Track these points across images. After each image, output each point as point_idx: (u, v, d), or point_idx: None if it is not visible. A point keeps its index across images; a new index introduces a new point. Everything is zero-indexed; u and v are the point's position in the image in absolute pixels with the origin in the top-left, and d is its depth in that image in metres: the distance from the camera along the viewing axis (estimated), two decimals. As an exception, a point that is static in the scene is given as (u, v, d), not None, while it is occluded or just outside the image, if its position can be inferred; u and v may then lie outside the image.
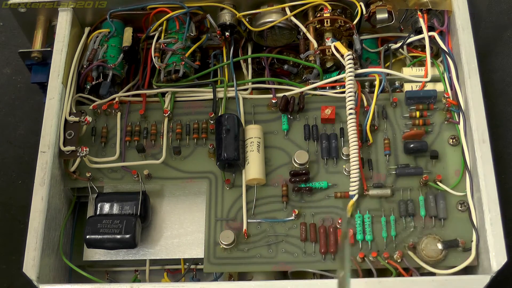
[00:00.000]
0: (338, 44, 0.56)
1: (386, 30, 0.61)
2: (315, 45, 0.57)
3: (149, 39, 0.61)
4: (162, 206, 0.56)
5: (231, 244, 0.51)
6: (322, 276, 0.51)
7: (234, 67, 0.59)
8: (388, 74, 0.57)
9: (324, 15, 0.58)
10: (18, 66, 0.65)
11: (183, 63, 0.57)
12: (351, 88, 0.54)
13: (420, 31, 0.58)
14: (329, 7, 0.58)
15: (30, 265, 0.48)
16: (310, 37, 0.58)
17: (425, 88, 0.56)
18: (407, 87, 0.57)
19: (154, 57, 0.58)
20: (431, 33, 0.57)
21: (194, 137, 0.56)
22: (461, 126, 0.53)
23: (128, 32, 0.59)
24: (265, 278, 0.53)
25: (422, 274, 0.50)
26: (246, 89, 0.58)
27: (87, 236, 0.51)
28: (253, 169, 0.53)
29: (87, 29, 0.61)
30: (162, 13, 0.59)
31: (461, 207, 0.52)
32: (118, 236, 0.51)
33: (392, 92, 0.56)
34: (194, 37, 0.59)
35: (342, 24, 0.58)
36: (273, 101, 0.56)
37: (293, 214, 0.52)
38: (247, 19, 0.59)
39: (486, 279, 0.46)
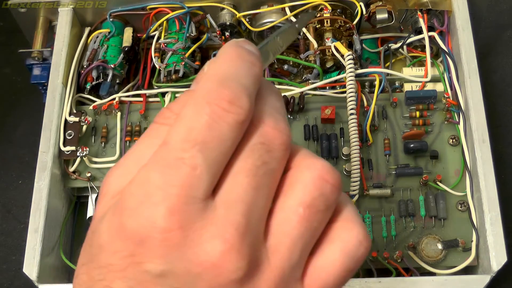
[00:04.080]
0: (338, 44, 0.56)
1: (386, 30, 0.61)
2: (315, 45, 0.57)
3: (149, 39, 0.61)
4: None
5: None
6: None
7: (234, 67, 0.59)
8: (388, 74, 0.57)
9: (324, 15, 0.58)
10: (18, 66, 0.65)
11: (183, 63, 0.57)
12: (352, 88, 0.53)
13: (420, 31, 0.57)
14: (329, 7, 0.58)
15: (30, 265, 0.48)
16: (310, 37, 0.58)
17: (425, 88, 0.56)
18: (407, 87, 0.57)
19: (154, 57, 0.58)
20: (431, 33, 0.57)
21: (194, 137, 0.55)
22: (461, 126, 0.53)
23: (128, 32, 0.59)
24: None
25: (422, 274, 0.50)
26: (246, 89, 0.58)
27: (87, 236, 0.51)
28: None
29: (87, 29, 0.61)
30: (162, 13, 0.59)
31: (461, 207, 0.52)
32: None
33: (392, 92, 0.56)
34: (194, 37, 0.59)
35: (342, 24, 0.58)
36: (273, 101, 0.56)
37: (293, 214, 0.52)
38: (247, 19, 0.59)
39: (486, 279, 0.46)
